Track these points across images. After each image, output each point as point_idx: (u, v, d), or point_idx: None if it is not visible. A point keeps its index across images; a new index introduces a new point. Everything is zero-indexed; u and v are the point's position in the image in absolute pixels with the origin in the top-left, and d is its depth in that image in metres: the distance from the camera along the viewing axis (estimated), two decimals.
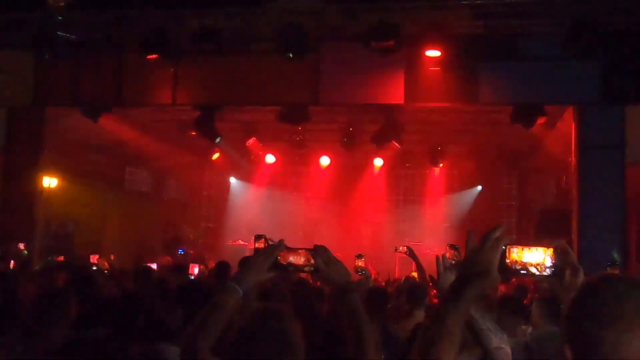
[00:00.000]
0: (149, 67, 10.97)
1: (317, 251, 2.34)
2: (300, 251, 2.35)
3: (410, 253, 6.91)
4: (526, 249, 1.82)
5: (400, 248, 7.34)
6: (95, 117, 11.96)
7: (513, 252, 1.79)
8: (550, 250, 1.83)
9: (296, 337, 2.29)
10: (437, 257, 2.99)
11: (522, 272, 1.82)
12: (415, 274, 8.21)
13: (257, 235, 2.76)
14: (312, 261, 2.33)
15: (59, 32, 10.53)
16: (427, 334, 1.78)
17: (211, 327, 2.23)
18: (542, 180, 16.44)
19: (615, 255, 9.87)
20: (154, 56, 10.48)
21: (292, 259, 2.34)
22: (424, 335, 1.78)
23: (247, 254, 8.02)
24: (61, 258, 8.64)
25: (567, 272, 2.51)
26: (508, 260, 1.79)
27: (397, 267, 17.14)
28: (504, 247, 1.76)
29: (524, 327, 5.26)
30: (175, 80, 11.42)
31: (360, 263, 7.08)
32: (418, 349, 1.77)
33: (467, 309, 1.79)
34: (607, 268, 6.75)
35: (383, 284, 10.57)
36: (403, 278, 9.71)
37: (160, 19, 10.36)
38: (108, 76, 11.54)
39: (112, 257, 13.04)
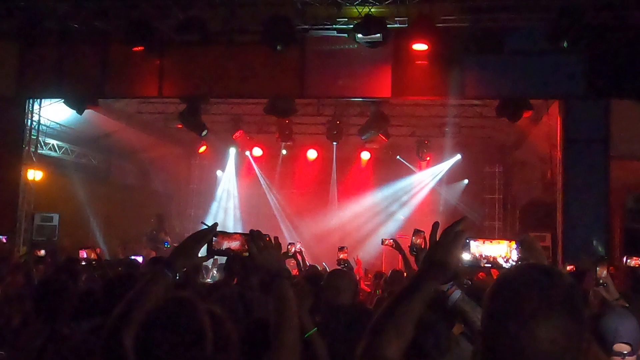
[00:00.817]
0: (135, 59, 10.87)
1: (252, 236, 2.28)
2: (235, 235, 2.31)
3: (397, 246, 6.91)
4: (487, 242, 1.82)
5: (387, 241, 7.33)
6: (81, 109, 11.85)
7: (473, 245, 1.79)
8: (513, 244, 1.83)
9: (205, 329, 2.17)
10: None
11: (486, 265, 1.81)
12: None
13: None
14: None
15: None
16: (375, 326, 1.75)
17: (136, 311, 2.14)
18: (527, 174, 16.53)
19: (600, 248, 9.95)
20: (139, 48, 10.37)
21: (226, 243, 2.29)
22: (371, 327, 1.75)
23: None
24: (41, 252, 8.52)
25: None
26: (470, 254, 1.78)
27: (383, 260, 17.20)
28: (467, 241, 1.75)
29: None
30: (161, 72, 11.33)
31: (342, 255, 7.06)
32: (364, 340, 1.73)
33: (421, 304, 1.76)
34: (597, 265, 6.74)
35: (371, 277, 10.59)
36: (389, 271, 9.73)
37: (145, 10, 10.25)
38: (93, 68, 11.43)
39: (98, 250, 12.93)
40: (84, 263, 7.75)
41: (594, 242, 9.95)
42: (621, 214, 11.30)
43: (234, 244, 2.30)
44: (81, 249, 8.70)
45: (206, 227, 2.31)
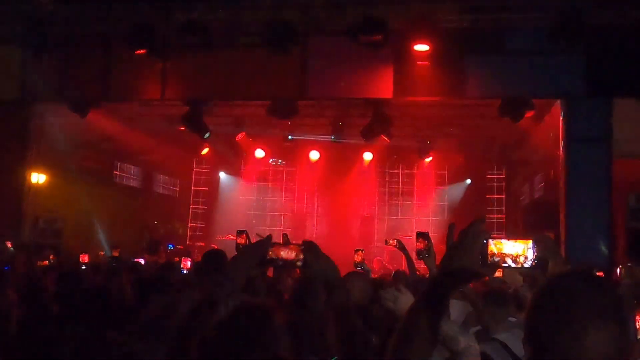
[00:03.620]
0: (137, 62, 10.90)
1: (307, 246, 2.35)
2: (290, 246, 2.35)
3: (400, 246, 6.90)
4: (505, 241, 1.79)
5: (391, 241, 7.31)
6: (84, 112, 11.89)
7: (492, 245, 1.76)
8: (529, 243, 1.80)
9: (276, 331, 2.21)
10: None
11: (503, 265, 1.79)
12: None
13: (239, 230, 2.76)
14: (302, 256, 2.33)
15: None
16: (401, 332, 1.75)
17: (202, 322, 2.13)
18: (530, 174, 16.52)
19: (603, 247, 9.94)
20: (142, 51, 10.41)
21: (282, 254, 2.33)
22: (397, 334, 1.75)
23: None
24: (45, 263, 8.53)
25: (550, 264, 2.53)
26: (488, 254, 1.74)
27: (387, 261, 17.18)
28: (484, 241, 1.72)
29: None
30: (163, 75, 11.36)
31: (358, 258, 7.04)
32: (391, 346, 1.74)
33: (444, 307, 1.76)
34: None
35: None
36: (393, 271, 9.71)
37: (148, 13, 10.28)
38: (96, 71, 11.48)
39: (101, 253, 12.98)
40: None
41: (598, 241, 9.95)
42: (624, 213, 11.28)
43: (289, 254, 2.34)
44: (82, 254, 8.71)
45: (261, 238, 2.37)
